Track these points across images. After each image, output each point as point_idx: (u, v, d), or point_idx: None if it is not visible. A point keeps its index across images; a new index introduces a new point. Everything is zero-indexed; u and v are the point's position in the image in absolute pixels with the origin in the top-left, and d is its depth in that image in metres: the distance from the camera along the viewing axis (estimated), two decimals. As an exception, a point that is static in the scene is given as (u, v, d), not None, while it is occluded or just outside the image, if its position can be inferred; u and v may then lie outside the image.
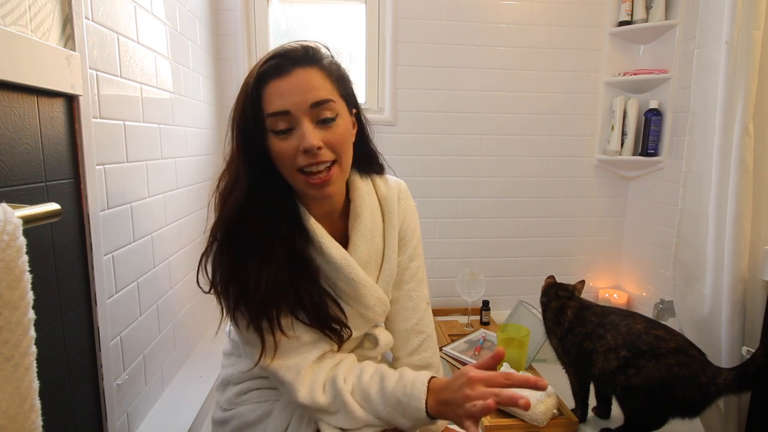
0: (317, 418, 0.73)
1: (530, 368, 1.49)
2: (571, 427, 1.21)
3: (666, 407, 1.09)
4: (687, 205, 1.26)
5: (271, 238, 0.70)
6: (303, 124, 0.66)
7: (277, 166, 0.70)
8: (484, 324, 1.87)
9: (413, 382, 0.69)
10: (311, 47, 0.70)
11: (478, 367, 0.66)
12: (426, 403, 0.66)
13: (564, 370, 1.32)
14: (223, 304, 0.72)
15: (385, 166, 0.86)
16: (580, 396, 1.29)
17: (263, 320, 0.70)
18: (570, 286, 1.37)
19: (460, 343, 1.66)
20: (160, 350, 1.26)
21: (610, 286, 2.19)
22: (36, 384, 0.49)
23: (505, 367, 1.32)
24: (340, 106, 0.70)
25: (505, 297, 2.10)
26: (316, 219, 0.75)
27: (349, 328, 0.77)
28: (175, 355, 1.39)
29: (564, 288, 1.36)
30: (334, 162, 0.69)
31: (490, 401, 0.59)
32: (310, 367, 0.73)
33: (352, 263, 0.75)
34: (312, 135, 0.66)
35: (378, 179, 0.84)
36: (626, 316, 1.20)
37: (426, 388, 0.68)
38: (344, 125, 0.71)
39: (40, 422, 0.50)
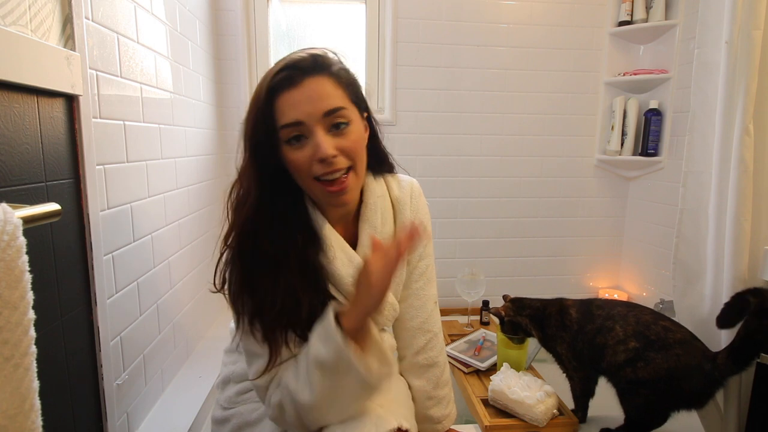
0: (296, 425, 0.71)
1: (530, 368, 1.49)
2: (571, 427, 1.21)
3: (672, 400, 1.09)
4: (687, 205, 1.26)
5: (286, 250, 0.70)
6: (317, 133, 0.66)
7: (293, 175, 0.70)
8: (484, 324, 1.87)
9: (325, 317, 0.67)
10: (319, 55, 0.69)
11: None
12: (337, 320, 0.64)
13: (566, 376, 1.30)
14: (237, 314, 0.71)
15: (395, 165, 0.86)
16: (582, 401, 1.29)
17: (275, 333, 0.69)
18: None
19: (460, 343, 1.66)
20: (160, 350, 1.26)
21: (610, 286, 2.19)
22: (36, 384, 0.49)
23: (505, 368, 1.32)
24: (352, 112, 0.70)
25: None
26: (331, 223, 0.75)
27: None
28: (175, 355, 1.39)
29: (529, 299, 1.36)
30: (349, 168, 0.69)
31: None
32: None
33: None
34: (326, 144, 0.66)
35: (391, 179, 0.85)
36: (632, 307, 1.20)
37: (332, 312, 0.65)
38: (357, 131, 0.70)
39: (40, 422, 0.50)
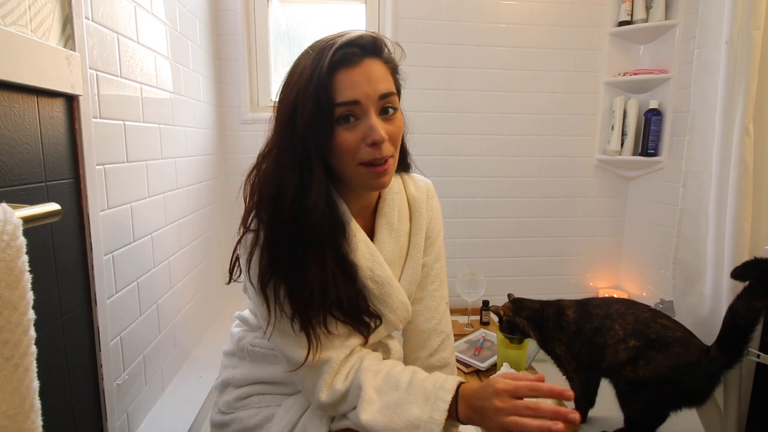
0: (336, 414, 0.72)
1: (530, 368, 1.49)
2: (571, 427, 1.21)
3: (673, 399, 1.10)
4: (687, 205, 1.26)
5: (325, 237, 0.69)
6: (370, 115, 0.65)
7: (337, 156, 0.67)
8: (484, 324, 1.87)
9: (446, 379, 0.67)
10: (377, 37, 0.69)
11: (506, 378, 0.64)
12: (454, 404, 0.65)
13: (566, 378, 1.30)
14: (266, 299, 0.69)
15: (412, 165, 0.87)
16: (583, 403, 1.28)
17: (314, 320, 0.68)
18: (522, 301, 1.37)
19: (460, 343, 1.66)
20: (160, 350, 1.26)
21: (610, 286, 2.19)
22: (36, 384, 0.49)
23: (505, 367, 1.32)
24: (397, 99, 0.71)
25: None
26: (352, 214, 0.75)
27: (378, 318, 0.75)
28: (175, 355, 1.39)
29: (529, 300, 1.36)
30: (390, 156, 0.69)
31: (531, 424, 0.57)
32: (340, 364, 0.71)
33: (381, 260, 0.76)
34: (380, 127, 0.65)
35: (407, 178, 0.85)
36: (629, 304, 1.19)
37: (456, 388, 0.66)
38: (401, 119, 0.71)
39: (40, 422, 0.50)
